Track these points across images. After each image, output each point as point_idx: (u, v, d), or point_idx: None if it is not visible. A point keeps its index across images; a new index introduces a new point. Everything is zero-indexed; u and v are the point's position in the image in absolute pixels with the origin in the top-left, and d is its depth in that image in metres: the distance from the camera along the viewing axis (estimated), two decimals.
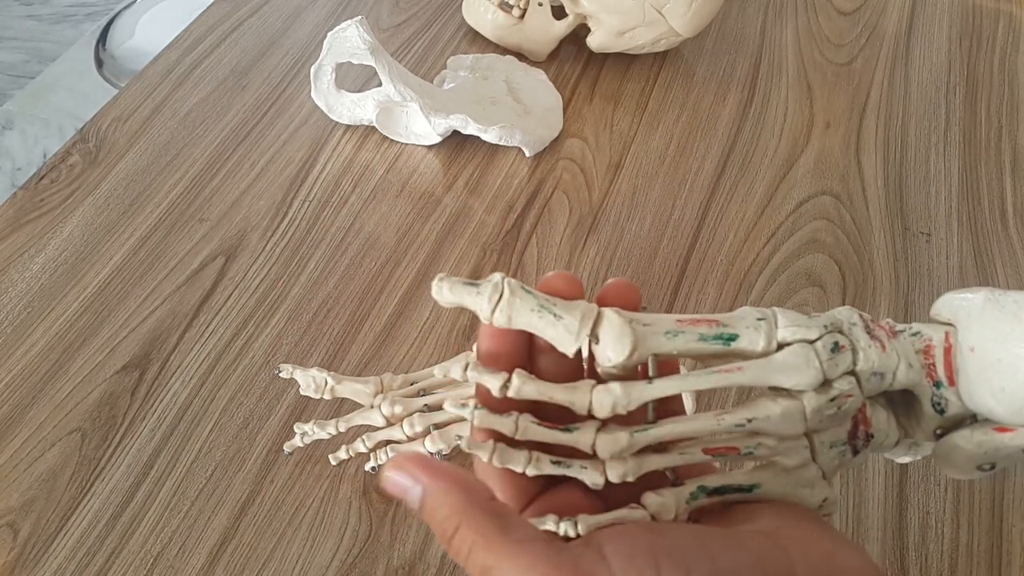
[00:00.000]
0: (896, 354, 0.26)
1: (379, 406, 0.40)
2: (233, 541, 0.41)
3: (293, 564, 0.40)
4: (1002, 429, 0.26)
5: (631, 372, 0.27)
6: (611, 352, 0.26)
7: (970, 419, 0.27)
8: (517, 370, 0.26)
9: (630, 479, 0.25)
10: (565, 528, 0.25)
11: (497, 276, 0.26)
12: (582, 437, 0.26)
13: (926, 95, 0.66)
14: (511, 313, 0.26)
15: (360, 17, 0.53)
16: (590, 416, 0.26)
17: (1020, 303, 0.25)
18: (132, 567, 0.40)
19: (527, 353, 0.27)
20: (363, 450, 0.41)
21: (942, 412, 0.27)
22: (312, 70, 0.58)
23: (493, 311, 0.26)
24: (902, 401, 0.29)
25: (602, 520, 0.25)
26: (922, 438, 0.28)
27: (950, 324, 0.27)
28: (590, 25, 0.64)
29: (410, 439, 0.40)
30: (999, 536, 0.43)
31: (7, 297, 0.50)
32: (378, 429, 0.41)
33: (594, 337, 0.26)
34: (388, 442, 0.41)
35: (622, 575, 0.20)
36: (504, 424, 0.26)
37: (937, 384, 0.27)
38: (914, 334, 0.27)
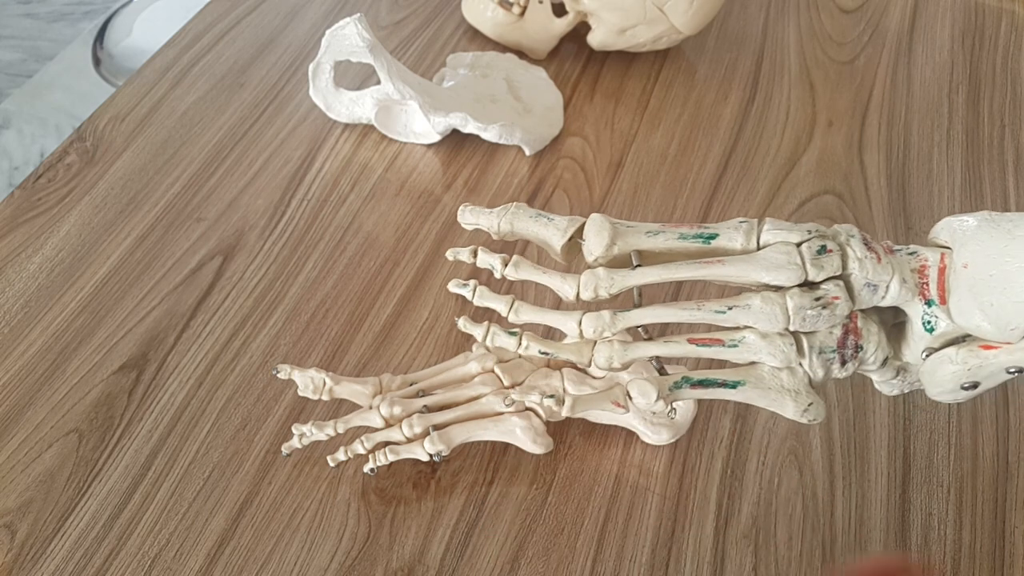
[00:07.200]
0: (891, 267, 0.27)
1: (378, 407, 0.40)
2: (231, 543, 0.41)
3: (291, 566, 0.40)
4: (987, 347, 0.26)
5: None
6: (592, 245, 0.29)
7: (958, 340, 0.28)
8: (516, 255, 0.30)
9: (616, 365, 0.27)
10: (548, 403, 0.28)
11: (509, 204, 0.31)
12: (570, 316, 0.28)
13: (929, 93, 0.66)
14: (513, 220, 0.30)
15: (359, 14, 0.53)
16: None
17: (1015, 222, 0.26)
18: (129, 569, 0.40)
19: None
20: (362, 451, 0.41)
21: (932, 331, 0.28)
22: (310, 68, 0.57)
23: (499, 224, 0.30)
24: (894, 324, 0.29)
25: (587, 398, 0.28)
26: (910, 360, 0.29)
27: (947, 247, 0.28)
28: (591, 23, 0.64)
29: (409, 440, 0.40)
30: (1001, 537, 0.43)
31: (4, 297, 0.49)
32: (377, 430, 0.40)
33: (583, 238, 0.29)
34: (387, 443, 0.40)
35: None
36: (500, 302, 0.30)
37: (929, 302, 0.27)
38: (911, 253, 0.28)
